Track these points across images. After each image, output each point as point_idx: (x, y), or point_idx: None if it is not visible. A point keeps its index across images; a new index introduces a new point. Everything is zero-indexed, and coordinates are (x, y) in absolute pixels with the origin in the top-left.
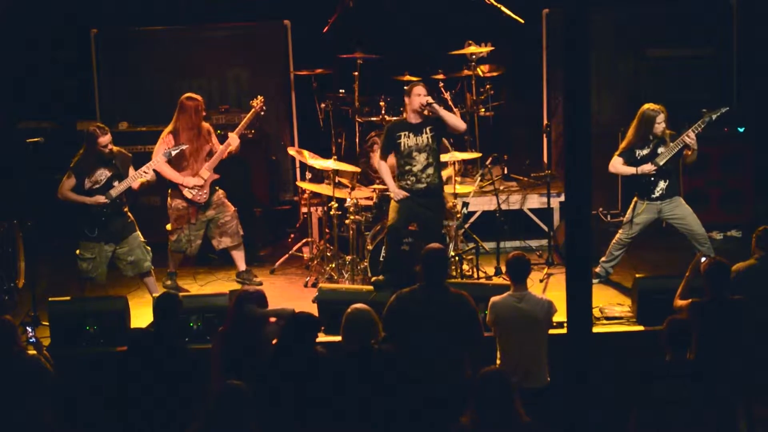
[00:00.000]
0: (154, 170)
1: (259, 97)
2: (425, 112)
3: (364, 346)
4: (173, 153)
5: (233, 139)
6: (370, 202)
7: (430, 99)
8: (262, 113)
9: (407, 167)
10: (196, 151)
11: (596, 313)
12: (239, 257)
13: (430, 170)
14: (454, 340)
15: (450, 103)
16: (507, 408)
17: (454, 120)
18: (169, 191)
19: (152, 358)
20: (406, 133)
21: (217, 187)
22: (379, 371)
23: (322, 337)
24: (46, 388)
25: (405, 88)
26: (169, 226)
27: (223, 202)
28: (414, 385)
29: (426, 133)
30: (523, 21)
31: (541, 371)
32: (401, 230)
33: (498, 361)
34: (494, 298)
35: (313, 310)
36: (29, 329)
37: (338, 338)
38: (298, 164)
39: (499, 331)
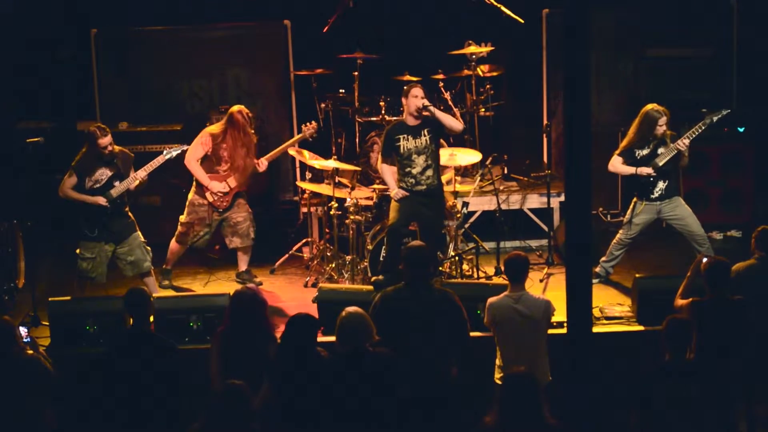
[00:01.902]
0: (185, 167)
1: (312, 123)
2: (424, 113)
3: (357, 348)
4: (174, 154)
5: (262, 165)
6: (370, 202)
7: (426, 102)
8: (311, 139)
9: (407, 169)
10: (242, 168)
11: (596, 313)
12: (243, 259)
13: (430, 172)
14: (440, 339)
15: (450, 103)
16: (533, 410)
17: (451, 121)
18: (194, 185)
19: (135, 357)
20: (405, 135)
21: (244, 192)
22: (370, 373)
23: (321, 338)
24: (47, 388)
25: (405, 88)
26: (182, 218)
27: (239, 203)
28: (400, 384)
29: (424, 135)
30: (523, 21)
31: (541, 371)
32: (401, 230)
33: (498, 361)
34: (491, 299)
35: (313, 310)
36: (23, 330)
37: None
38: (298, 164)
39: (498, 332)
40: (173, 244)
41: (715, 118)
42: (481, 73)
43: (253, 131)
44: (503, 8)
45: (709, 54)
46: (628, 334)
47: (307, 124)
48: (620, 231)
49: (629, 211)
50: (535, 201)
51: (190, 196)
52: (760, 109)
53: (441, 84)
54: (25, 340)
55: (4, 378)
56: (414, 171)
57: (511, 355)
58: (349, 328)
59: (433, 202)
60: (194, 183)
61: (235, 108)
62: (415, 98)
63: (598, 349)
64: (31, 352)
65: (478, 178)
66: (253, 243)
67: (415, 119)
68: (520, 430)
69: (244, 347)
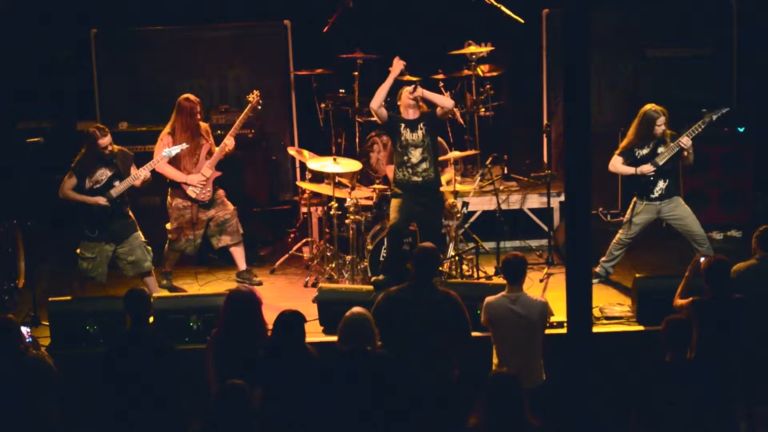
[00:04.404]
0: (157, 172)
1: (255, 92)
2: (415, 94)
3: (356, 348)
4: (173, 152)
5: (229, 141)
6: (370, 202)
7: (414, 86)
8: (259, 107)
9: (404, 158)
10: (193, 151)
11: (596, 313)
12: (239, 255)
13: (425, 165)
14: (442, 340)
15: None
16: (516, 411)
17: (441, 99)
18: (170, 190)
19: (134, 358)
20: (404, 126)
21: (217, 186)
22: (369, 372)
23: (322, 337)
24: (52, 388)
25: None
26: (168, 225)
27: (223, 201)
28: (402, 385)
29: (420, 128)
30: (523, 21)
31: (536, 371)
32: (402, 230)
33: (495, 361)
34: (488, 299)
35: (313, 310)
36: (25, 329)
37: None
38: (298, 164)
39: (494, 331)
40: (166, 252)
41: (714, 117)
42: (481, 73)
43: (200, 117)
44: (503, 8)
45: (709, 54)
46: (628, 334)
47: (250, 94)
48: (620, 231)
49: (629, 211)
50: (535, 201)
51: (169, 201)
52: (760, 109)
53: (441, 84)
54: (27, 339)
55: (10, 377)
56: (412, 160)
57: (507, 354)
58: (353, 330)
59: (432, 201)
60: (169, 189)
61: (182, 96)
62: (407, 91)
63: (598, 349)
64: (35, 351)
65: (478, 178)
66: (242, 238)
67: (412, 113)
68: (504, 430)
69: (240, 347)
